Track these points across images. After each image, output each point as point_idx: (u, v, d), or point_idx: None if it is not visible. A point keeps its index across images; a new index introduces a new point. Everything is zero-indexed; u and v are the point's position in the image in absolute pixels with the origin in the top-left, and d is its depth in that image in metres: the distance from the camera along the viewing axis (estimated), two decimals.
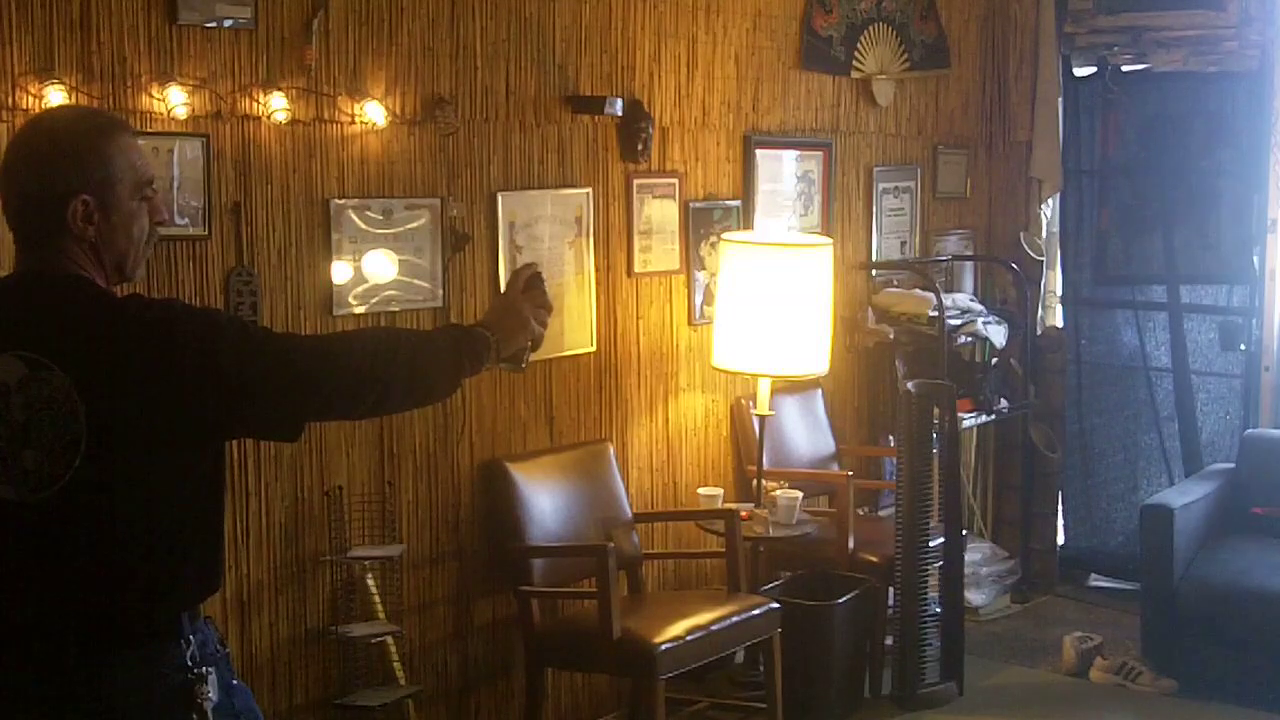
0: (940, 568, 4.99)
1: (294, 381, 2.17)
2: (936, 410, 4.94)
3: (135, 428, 2.06)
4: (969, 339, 5.82)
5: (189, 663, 2.14)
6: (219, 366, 2.09)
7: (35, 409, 2.05)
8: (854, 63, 5.63)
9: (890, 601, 4.95)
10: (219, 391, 2.09)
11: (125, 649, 2.10)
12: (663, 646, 4.01)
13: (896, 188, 5.95)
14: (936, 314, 5.56)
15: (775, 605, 4.41)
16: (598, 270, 4.68)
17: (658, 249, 4.89)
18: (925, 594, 4.88)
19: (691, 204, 5.00)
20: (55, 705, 2.08)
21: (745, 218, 5.20)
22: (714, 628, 4.19)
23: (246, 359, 2.12)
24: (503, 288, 4.25)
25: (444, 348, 2.31)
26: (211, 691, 2.16)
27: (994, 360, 5.91)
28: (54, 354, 2.06)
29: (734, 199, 5.17)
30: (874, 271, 5.83)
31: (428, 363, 2.29)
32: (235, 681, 2.28)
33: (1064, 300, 6.48)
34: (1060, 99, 6.29)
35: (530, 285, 2.41)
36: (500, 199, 4.35)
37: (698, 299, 5.04)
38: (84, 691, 2.08)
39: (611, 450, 4.71)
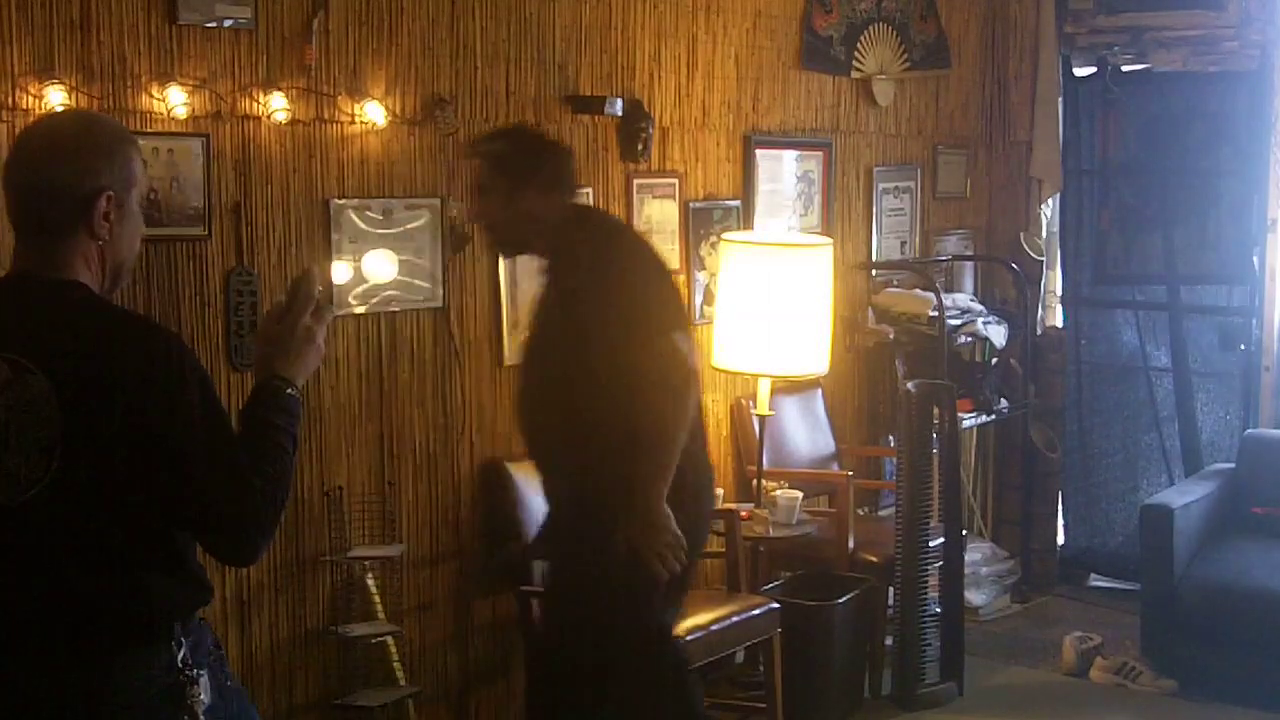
0: (940, 568, 4.99)
1: (227, 493, 2.10)
2: (936, 410, 4.93)
3: (104, 444, 2.04)
4: (969, 339, 5.82)
5: (180, 665, 2.13)
6: (164, 434, 2.06)
7: (15, 411, 2.04)
8: (854, 63, 5.63)
9: (890, 601, 4.95)
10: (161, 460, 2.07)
11: (114, 651, 2.09)
12: None
13: (896, 188, 5.94)
14: (936, 314, 5.56)
15: (775, 605, 4.40)
16: None
17: (658, 249, 4.88)
18: (925, 594, 4.87)
19: (691, 204, 5.00)
20: (45, 707, 2.08)
21: (745, 218, 5.20)
22: (714, 628, 4.18)
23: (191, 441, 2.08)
24: (503, 287, 4.32)
25: (287, 448, 2.19)
26: (203, 694, 2.14)
27: (994, 360, 5.90)
28: (39, 359, 2.05)
29: (734, 199, 5.17)
30: (874, 271, 5.82)
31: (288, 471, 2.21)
32: (230, 684, 2.27)
33: (1064, 300, 6.47)
34: (1060, 99, 6.28)
35: (294, 295, 2.27)
36: None
37: (698, 299, 5.03)
38: (74, 693, 2.07)
39: None
